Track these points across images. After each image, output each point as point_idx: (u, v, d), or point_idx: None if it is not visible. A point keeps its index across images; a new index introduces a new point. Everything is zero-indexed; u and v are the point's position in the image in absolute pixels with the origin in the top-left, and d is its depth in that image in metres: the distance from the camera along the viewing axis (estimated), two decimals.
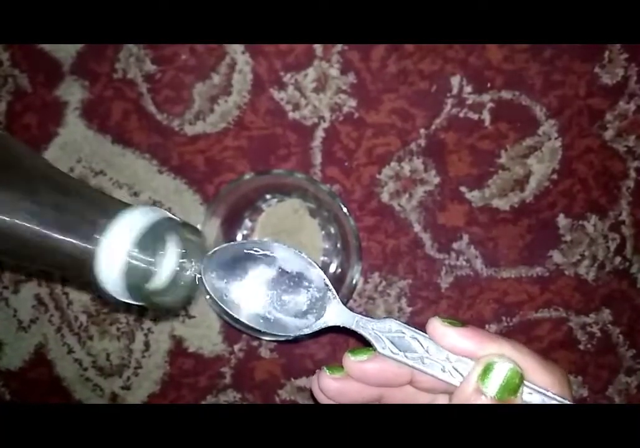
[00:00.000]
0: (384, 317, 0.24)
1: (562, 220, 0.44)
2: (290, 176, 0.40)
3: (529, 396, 0.22)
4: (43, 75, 0.45)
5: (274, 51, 0.44)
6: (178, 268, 0.24)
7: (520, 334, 0.44)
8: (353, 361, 0.25)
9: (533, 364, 0.22)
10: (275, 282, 0.25)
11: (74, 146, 0.45)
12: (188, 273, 0.24)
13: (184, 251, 0.24)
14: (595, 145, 0.44)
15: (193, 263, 0.24)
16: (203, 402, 0.45)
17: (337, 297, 0.24)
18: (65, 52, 0.45)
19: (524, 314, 0.44)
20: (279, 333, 0.25)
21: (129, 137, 0.45)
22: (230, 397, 0.45)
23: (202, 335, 0.45)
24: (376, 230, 0.44)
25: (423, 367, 0.23)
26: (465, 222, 0.44)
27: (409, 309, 0.44)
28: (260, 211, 0.44)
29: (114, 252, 0.22)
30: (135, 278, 0.23)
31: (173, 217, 0.24)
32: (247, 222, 0.44)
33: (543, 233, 0.44)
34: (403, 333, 0.23)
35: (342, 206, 0.38)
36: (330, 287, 0.24)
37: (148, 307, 0.25)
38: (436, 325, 0.23)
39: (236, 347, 0.45)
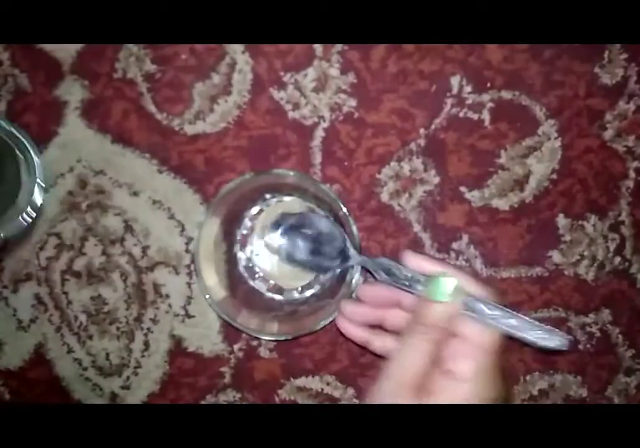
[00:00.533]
0: (381, 256, 0.36)
1: (561, 220, 0.44)
2: (290, 176, 0.40)
3: (470, 303, 0.31)
4: (43, 75, 0.45)
5: (274, 51, 0.44)
6: None
7: None
8: (364, 286, 0.38)
9: (472, 281, 0.32)
10: (313, 238, 0.39)
11: (74, 146, 0.45)
12: None
13: None
14: (594, 145, 0.44)
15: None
16: (203, 402, 0.45)
17: (352, 247, 0.38)
18: (65, 52, 0.45)
19: (524, 314, 0.44)
20: (317, 272, 0.41)
21: (128, 137, 0.45)
22: (229, 396, 0.45)
23: (202, 335, 0.45)
24: (376, 230, 0.44)
25: (402, 285, 0.34)
26: (465, 222, 0.44)
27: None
28: (260, 211, 0.44)
29: None
30: None
31: None
32: (247, 222, 0.44)
33: (543, 233, 0.44)
34: (391, 265, 0.34)
35: (342, 206, 0.38)
36: (348, 241, 0.38)
37: None
38: (408, 254, 0.34)
39: (236, 347, 0.45)
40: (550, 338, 0.31)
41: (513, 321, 0.31)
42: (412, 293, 0.33)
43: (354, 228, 0.38)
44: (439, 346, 0.30)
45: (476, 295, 0.31)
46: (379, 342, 0.36)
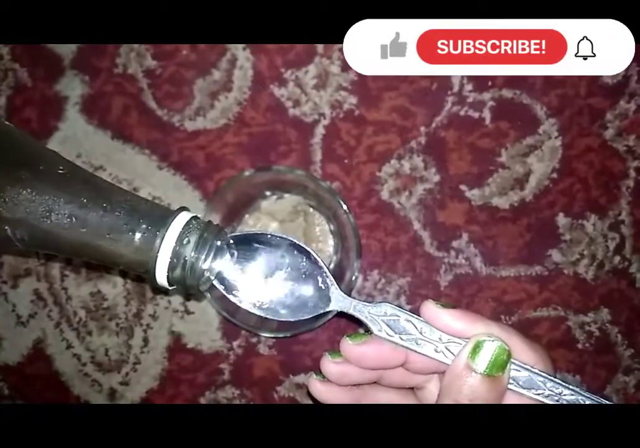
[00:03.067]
0: (380, 302, 0.25)
1: (561, 219, 0.44)
2: (290, 173, 0.40)
3: (516, 373, 0.23)
4: (43, 70, 0.45)
5: (275, 48, 0.44)
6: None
7: None
8: (350, 344, 0.25)
9: (519, 343, 0.24)
10: (279, 271, 0.26)
11: (74, 141, 0.45)
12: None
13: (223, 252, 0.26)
14: (595, 144, 0.44)
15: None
16: (201, 398, 0.45)
17: (335, 284, 0.25)
18: (66, 47, 0.45)
19: (523, 313, 0.45)
20: (282, 319, 0.26)
21: (129, 133, 0.45)
22: (228, 393, 0.45)
23: (201, 331, 0.45)
24: (376, 228, 0.44)
25: (417, 348, 0.24)
26: (465, 220, 0.44)
27: (408, 307, 0.44)
28: (260, 208, 0.44)
29: (173, 255, 0.24)
30: (189, 277, 0.24)
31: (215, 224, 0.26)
32: (247, 219, 0.44)
33: (542, 232, 0.44)
34: (398, 316, 0.24)
35: (342, 203, 0.38)
36: (329, 275, 0.25)
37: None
38: (430, 307, 0.24)
39: (235, 344, 0.45)
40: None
41: (570, 396, 0.23)
42: (434, 359, 0.24)
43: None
44: None
45: (525, 364, 0.23)
46: (379, 394, 0.27)
